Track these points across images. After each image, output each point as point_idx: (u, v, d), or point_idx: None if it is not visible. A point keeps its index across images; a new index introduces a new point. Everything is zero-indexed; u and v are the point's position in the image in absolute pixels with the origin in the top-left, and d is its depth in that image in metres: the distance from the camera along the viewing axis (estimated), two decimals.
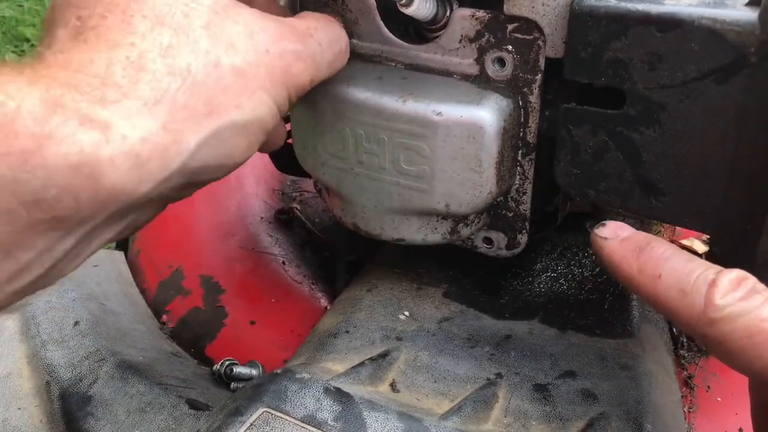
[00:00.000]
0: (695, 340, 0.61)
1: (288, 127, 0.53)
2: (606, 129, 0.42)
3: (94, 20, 0.33)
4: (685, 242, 0.68)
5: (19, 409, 0.55)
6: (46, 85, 0.30)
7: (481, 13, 0.44)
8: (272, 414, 0.41)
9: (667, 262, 0.35)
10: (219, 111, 0.35)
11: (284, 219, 0.79)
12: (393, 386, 0.47)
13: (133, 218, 0.36)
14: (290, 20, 0.41)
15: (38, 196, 0.29)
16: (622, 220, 0.52)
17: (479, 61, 0.46)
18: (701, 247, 0.68)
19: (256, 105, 0.36)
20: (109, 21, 0.33)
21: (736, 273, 0.32)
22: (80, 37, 0.33)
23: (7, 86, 0.29)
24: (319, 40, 0.42)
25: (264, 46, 0.37)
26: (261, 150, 0.46)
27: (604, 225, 0.39)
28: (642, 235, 0.37)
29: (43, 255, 0.32)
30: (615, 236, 0.38)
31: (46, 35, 0.34)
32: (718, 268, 0.33)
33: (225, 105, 0.35)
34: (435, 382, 0.48)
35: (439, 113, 0.44)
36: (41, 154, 0.28)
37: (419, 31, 0.49)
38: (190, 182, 0.36)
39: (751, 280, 0.32)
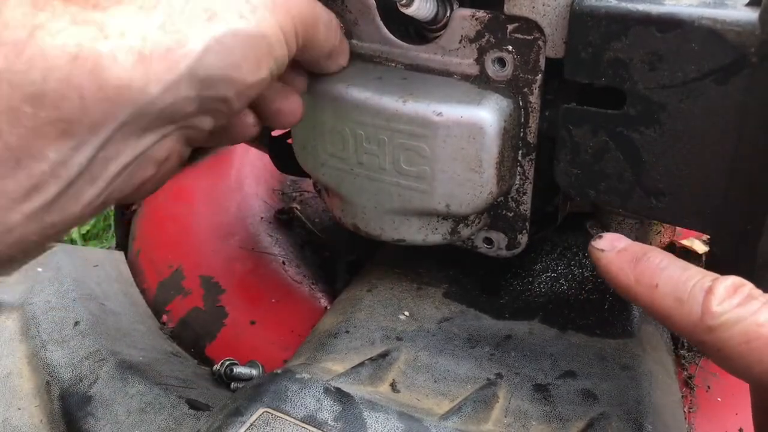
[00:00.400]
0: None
1: (295, 103, 0.51)
2: (606, 129, 0.42)
3: None
4: (685, 242, 0.68)
5: (19, 409, 0.55)
6: None
7: (481, 14, 0.44)
8: (272, 414, 0.41)
9: (664, 272, 0.35)
10: (221, 17, 0.34)
11: (284, 219, 0.79)
12: (393, 386, 0.47)
13: (153, 139, 0.35)
14: None
15: (38, 89, 0.28)
16: (623, 221, 0.53)
17: (479, 61, 0.46)
18: (701, 247, 0.67)
19: (260, 21, 0.36)
20: None
21: (732, 280, 0.32)
22: None
23: None
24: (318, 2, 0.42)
25: None
26: (272, 121, 0.45)
27: (601, 237, 0.39)
28: (638, 246, 0.38)
29: (57, 168, 0.31)
30: (612, 248, 0.38)
31: None
32: (714, 275, 0.33)
33: (227, 12, 0.34)
34: (435, 382, 0.48)
35: (440, 113, 0.44)
36: (35, 44, 0.28)
37: (419, 32, 0.49)
38: (201, 96, 0.35)
39: (748, 287, 0.32)
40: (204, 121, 0.37)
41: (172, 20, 0.32)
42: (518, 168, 0.48)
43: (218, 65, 0.34)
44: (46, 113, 0.29)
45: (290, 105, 0.45)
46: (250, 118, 0.43)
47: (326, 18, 0.43)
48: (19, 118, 0.29)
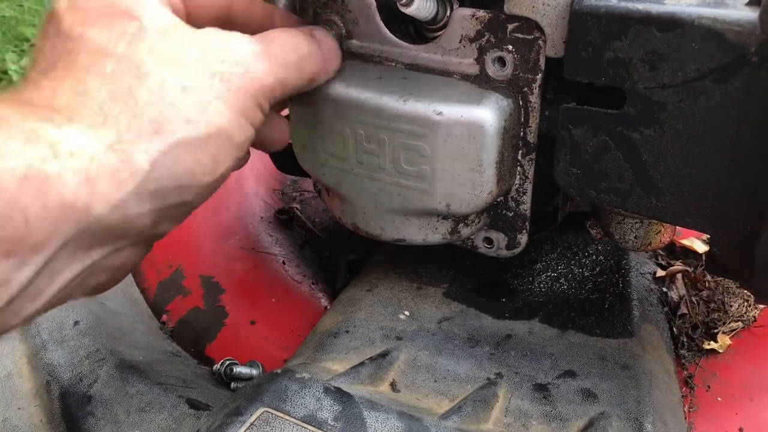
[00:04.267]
0: (695, 341, 0.61)
1: (282, 127, 0.52)
2: (606, 129, 0.42)
3: (56, 60, 0.35)
4: (685, 242, 0.68)
5: (19, 409, 0.55)
6: None
7: (481, 13, 0.44)
8: (272, 414, 0.41)
9: None
10: (167, 129, 0.34)
11: (284, 219, 0.79)
12: (393, 386, 0.47)
13: (104, 253, 0.35)
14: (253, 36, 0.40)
15: None
16: (623, 220, 0.53)
17: (479, 60, 0.46)
18: (701, 247, 0.68)
19: (212, 117, 0.36)
20: (62, 60, 0.35)
21: None
22: (41, 76, 0.35)
23: None
24: (281, 43, 0.40)
25: (217, 58, 0.37)
26: (264, 149, 0.46)
27: None
28: None
29: None
30: None
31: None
32: None
33: (173, 122, 0.34)
34: (435, 381, 0.48)
35: (440, 113, 0.44)
36: None
37: (419, 32, 0.49)
38: (156, 208, 0.35)
39: None
40: (164, 227, 0.38)
41: (120, 138, 0.33)
42: (518, 168, 0.48)
43: (168, 177, 0.34)
44: None
45: (278, 132, 0.45)
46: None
47: (295, 63, 0.41)
48: None
